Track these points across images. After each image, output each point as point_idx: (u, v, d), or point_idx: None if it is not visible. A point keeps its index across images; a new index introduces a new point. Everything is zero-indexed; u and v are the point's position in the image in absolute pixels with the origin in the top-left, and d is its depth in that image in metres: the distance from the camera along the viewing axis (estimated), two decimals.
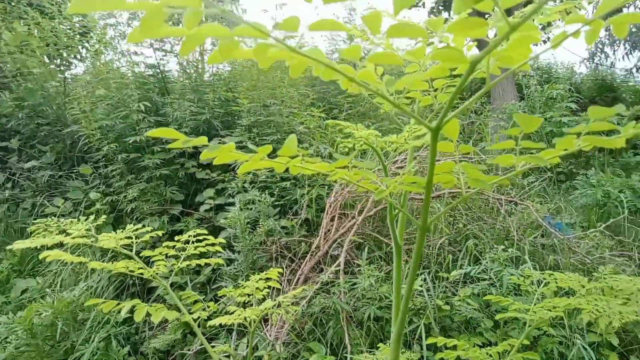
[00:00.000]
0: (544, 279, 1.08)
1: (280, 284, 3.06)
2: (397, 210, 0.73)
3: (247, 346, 2.72)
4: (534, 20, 0.75)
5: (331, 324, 2.62)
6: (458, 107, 0.59)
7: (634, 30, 8.59)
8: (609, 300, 0.83)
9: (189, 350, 2.77)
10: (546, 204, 3.57)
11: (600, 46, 8.96)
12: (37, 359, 2.69)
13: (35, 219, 4.06)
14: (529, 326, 0.97)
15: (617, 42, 8.91)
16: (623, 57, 9.28)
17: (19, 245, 0.97)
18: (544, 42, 5.35)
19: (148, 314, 0.88)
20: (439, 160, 0.56)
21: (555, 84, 5.45)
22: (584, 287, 0.91)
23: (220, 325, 1.35)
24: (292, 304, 2.76)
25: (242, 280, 3.12)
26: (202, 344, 2.78)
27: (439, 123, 0.50)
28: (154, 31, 0.37)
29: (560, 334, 2.38)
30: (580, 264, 2.90)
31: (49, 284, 3.42)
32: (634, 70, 8.15)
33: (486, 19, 0.50)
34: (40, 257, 0.87)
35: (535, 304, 1.01)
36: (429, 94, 0.81)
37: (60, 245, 1.04)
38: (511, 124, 5.33)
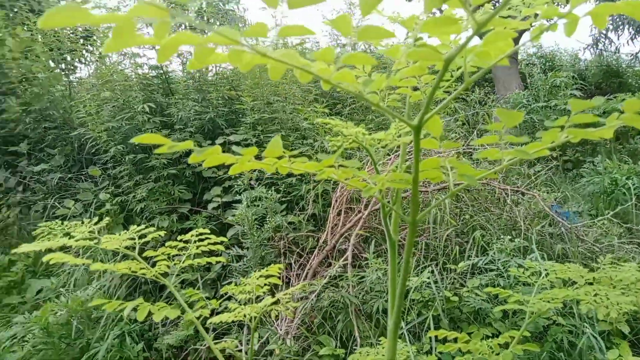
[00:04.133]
0: (545, 270, 1.08)
1: (289, 279, 3.08)
2: (388, 208, 0.74)
3: (252, 342, 2.74)
4: (521, 12, 0.75)
5: (340, 317, 2.64)
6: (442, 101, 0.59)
7: None
8: (608, 291, 0.83)
9: (201, 345, 2.82)
10: (553, 192, 3.54)
11: (604, 32, 8.75)
12: (54, 357, 2.75)
13: (47, 221, 4.14)
14: (529, 317, 0.97)
15: (622, 27, 8.70)
16: (628, 42, 9.05)
17: (23, 248, 1.00)
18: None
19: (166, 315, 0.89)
20: (424, 156, 0.57)
21: (558, 71, 5.38)
22: (582, 277, 0.92)
23: (233, 320, 1.37)
24: (302, 298, 2.78)
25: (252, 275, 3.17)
26: (213, 340, 2.82)
27: (419, 121, 0.51)
28: (126, 41, 0.38)
29: (570, 323, 2.37)
30: (589, 252, 2.88)
31: (62, 283, 3.48)
32: None
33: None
34: (44, 259, 0.89)
35: (535, 295, 1.01)
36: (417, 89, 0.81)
37: (67, 247, 1.06)
38: None
